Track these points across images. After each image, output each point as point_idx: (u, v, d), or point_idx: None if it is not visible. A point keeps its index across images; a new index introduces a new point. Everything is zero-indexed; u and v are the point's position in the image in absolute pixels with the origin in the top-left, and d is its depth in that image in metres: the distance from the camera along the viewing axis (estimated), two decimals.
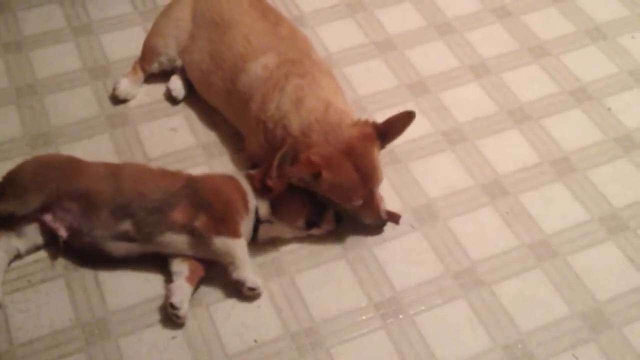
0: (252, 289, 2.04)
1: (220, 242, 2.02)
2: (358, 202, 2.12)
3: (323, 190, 2.08)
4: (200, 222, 2.02)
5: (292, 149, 2.06)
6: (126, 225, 2.03)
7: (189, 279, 2.02)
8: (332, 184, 2.06)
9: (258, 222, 2.11)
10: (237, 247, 2.03)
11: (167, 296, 2.00)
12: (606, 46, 2.83)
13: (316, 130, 2.10)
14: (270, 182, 2.09)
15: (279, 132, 2.17)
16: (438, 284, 2.12)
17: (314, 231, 2.17)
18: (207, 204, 2.04)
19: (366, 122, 2.12)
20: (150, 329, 2.00)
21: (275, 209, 2.11)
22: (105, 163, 2.20)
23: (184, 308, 1.98)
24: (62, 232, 2.04)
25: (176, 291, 1.99)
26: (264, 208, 2.11)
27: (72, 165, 2.13)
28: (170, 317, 1.99)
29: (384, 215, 2.18)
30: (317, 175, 2.03)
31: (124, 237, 2.03)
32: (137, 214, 2.02)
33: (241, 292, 2.05)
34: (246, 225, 2.09)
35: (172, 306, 1.97)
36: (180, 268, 2.04)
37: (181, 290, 2.00)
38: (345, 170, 2.05)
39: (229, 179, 2.16)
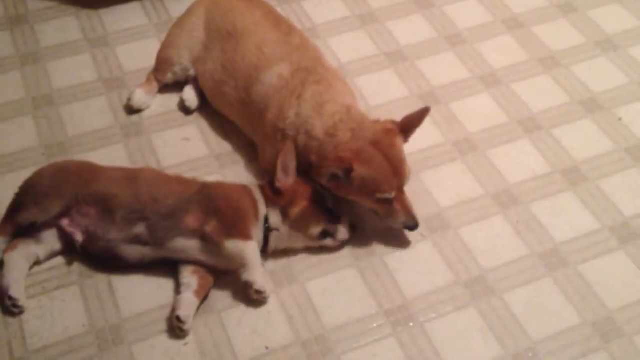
0: (259, 292, 2.04)
1: (232, 245, 2.03)
2: (390, 195, 2.11)
3: (355, 188, 2.08)
4: (210, 227, 2.04)
5: (293, 148, 2.10)
6: (139, 229, 2.05)
7: (197, 293, 2.03)
8: (364, 178, 2.06)
9: (268, 230, 2.12)
10: (248, 248, 2.04)
11: (174, 308, 2.01)
12: (617, 57, 2.84)
13: (341, 129, 2.13)
14: (278, 184, 2.11)
15: (302, 138, 2.19)
16: (448, 292, 2.13)
17: (328, 242, 2.17)
18: (217, 209, 2.06)
19: (386, 120, 2.17)
20: (163, 336, 2.01)
21: (290, 216, 2.12)
22: (122, 167, 2.23)
23: (189, 322, 1.99)
24: (79, 237, 2.06)
25: (183, 304, 2.00)
26: (274, 216, 2.12)
27: (89, 170, 2.16)
28: (174, 329, 2.00)
29: (415, 215, 2.15)
30: (349, 171, 2.04)
31: (137, 240, 2.05)
32: (150, 217, 2.05)
33: (248, 294, 2.06)
34: (256, 232, 2.10)
35: (179, 319, 1.98)
36: (190, 280, 2.04)
37: (188, 304, 2.01)
38: (375, 161, 2.07)
39: (241, 187, 2.19)
